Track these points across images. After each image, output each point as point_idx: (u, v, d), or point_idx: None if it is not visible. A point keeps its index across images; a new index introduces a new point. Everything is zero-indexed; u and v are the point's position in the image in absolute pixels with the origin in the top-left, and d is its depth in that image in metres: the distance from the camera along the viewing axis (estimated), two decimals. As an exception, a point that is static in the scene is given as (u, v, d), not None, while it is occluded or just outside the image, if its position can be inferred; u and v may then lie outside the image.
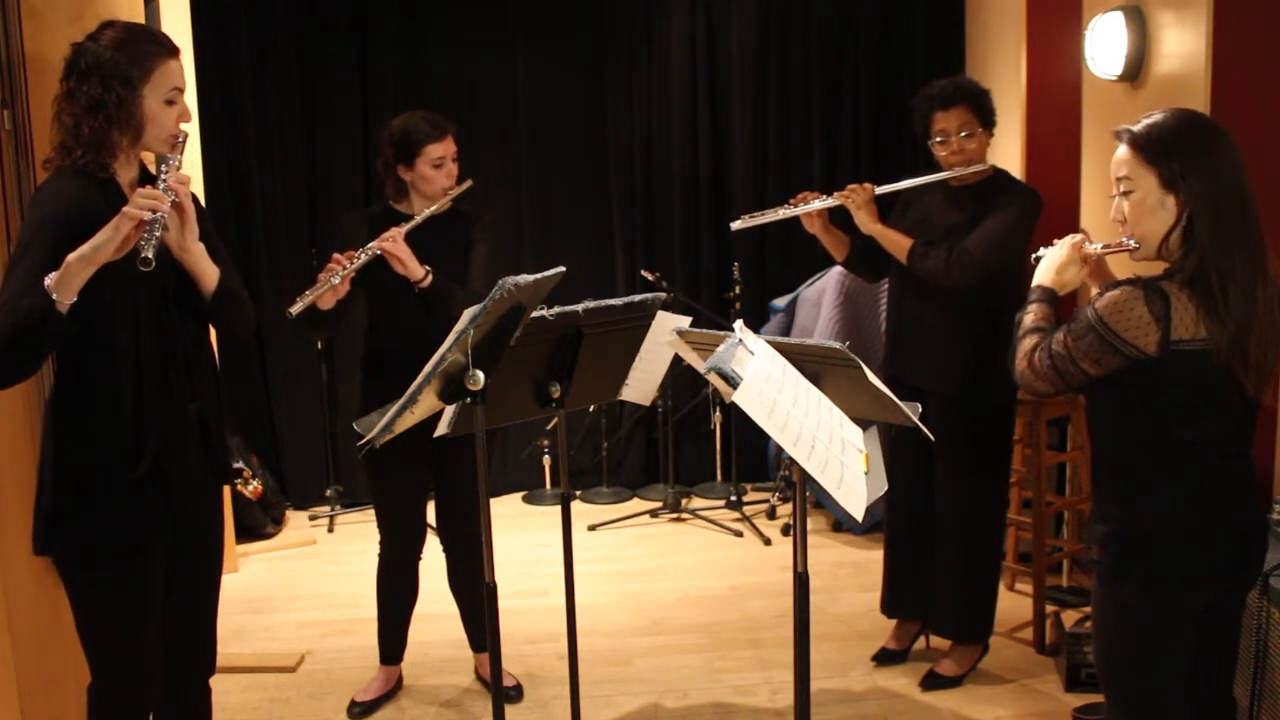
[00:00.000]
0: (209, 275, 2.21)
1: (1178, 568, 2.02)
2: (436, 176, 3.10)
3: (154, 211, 1.96)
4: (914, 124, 3.27)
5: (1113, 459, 2.10)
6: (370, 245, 2.94)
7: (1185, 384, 1.96)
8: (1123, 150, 2.03)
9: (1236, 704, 2.28)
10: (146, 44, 2.12)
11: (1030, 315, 2.15)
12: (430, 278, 2.97)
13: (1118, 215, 2.06)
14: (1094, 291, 2.07)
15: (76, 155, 2.07)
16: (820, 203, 3.25)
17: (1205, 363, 1.93)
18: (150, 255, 1.93)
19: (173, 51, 2.16)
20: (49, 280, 1.91)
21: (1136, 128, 2.01)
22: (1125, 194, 2.03)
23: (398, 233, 2.96)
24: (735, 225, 3.36)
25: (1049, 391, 2.09)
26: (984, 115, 3.16)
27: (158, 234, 1.96)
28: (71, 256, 1.91)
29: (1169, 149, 1.97)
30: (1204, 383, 1.95)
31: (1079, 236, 2.20)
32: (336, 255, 2.92)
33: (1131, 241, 2.05)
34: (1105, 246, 2.15)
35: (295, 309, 2.83)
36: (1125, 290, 1.95)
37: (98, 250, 1.92)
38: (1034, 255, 2.26)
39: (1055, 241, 2.26)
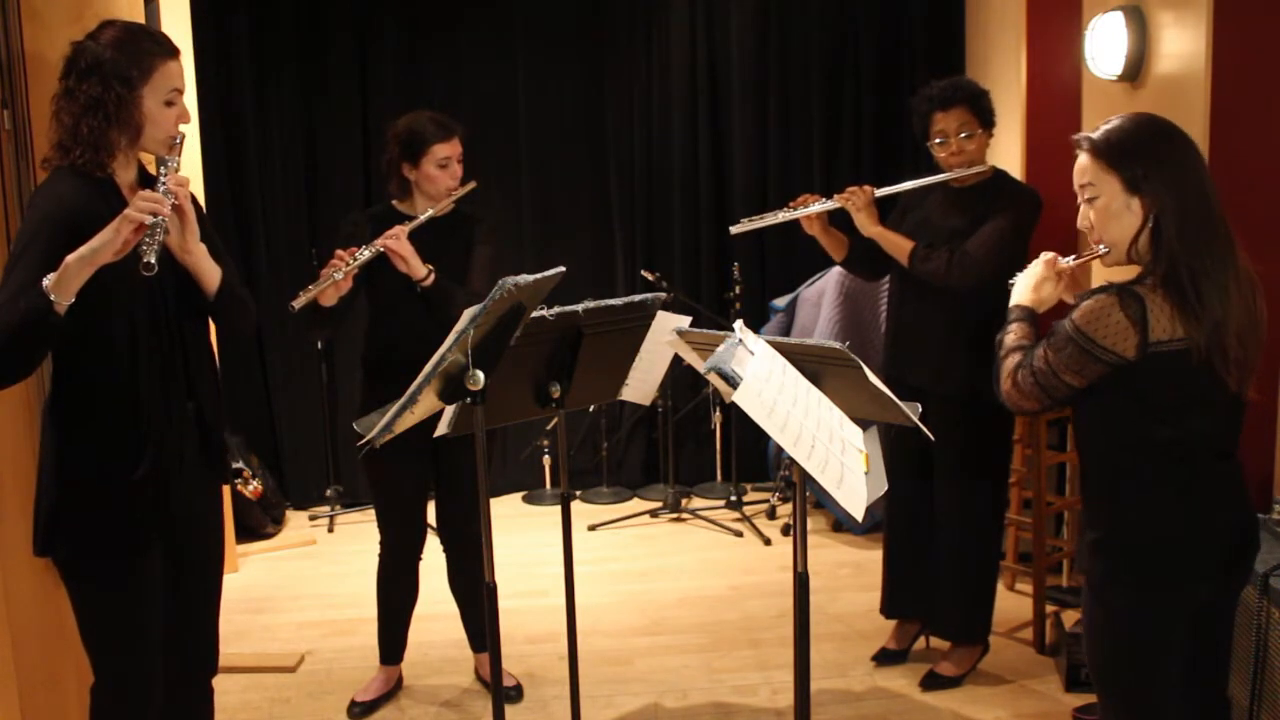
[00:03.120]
0: (211, 275, 2.21)
1: (1168, 570, 2.02)
2: (441, 177, 3.10)
3: (154, 215, 1.96)
4: (913, 125, 3.27)
5: (1100, 464, 2.10)
6: (374, 242, 2.94)
7: (1167, 385, 1.96)
8: (1083, 158, 2.04)
9: (1231, 704, 2.28)
10: (147, 44, 2.12)
11: (1011, 335, 2.15)
12: (432, 277, 2.97)
13: (1084, 223, 2.08)
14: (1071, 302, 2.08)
15: (74, 155, 2.07)
16: (820, 205, 3.25)
17: (1185, 362, 1.94)
18: (153, 260, 1.93)
19: (173, 52, 2.16)
20: (47, 281, 1.90)
21: (1095, 135, 2.03)
22: (1090, 200, 2.05)
23: (401, 231, 2.96)
24: (735, 229, 3.36)
25: (1034, 409, 2.10)
26: (983, 115, 3.16)
27: (159, 238, 1.96)
28: (70, 258, 1.91)
29: (1129, 152, 1.98)
30: (1186, 382, 1.96)
31: (1051, 254, 2.21)
32: (339, 251, 2.92)
33: (1101, 247, 2.06)
34: (1078, 257, 2.16)
35: (298, 303, 2.83)
36: (1100, 298, 1.96)
37: (97, 252, 1.92)
38: (1009, 282, 2.27)
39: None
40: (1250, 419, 2.08)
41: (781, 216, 3.28)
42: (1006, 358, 2.13)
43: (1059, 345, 2.00)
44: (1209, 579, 2.04)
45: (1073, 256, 2.18)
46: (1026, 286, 2.20)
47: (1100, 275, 2.18)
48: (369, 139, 5.12)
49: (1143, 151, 1.98)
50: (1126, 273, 2.05)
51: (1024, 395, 2.08)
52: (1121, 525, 2.05)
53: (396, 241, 2.93)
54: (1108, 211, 2.02)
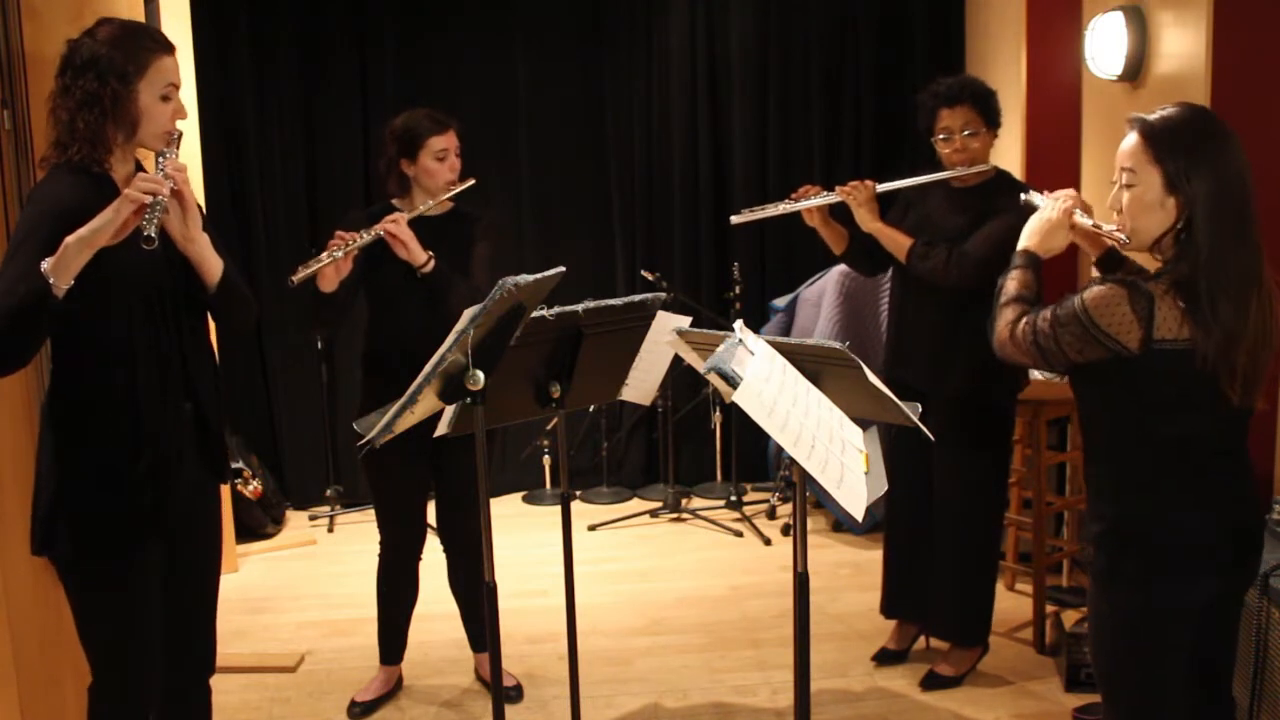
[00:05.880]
0: (214, 266, 2.21)
1: (1171, 566, 2.02)
2: (440, 169, 3.10)
3: (154, 195, 1.97)
4: (918, 120, 3.26)
5: (1103, 457, 2.10)
6: (374, 226, 2.93)
7: (1169, 381, 1.96)
8: (1133, 139, 2.01)
9: (1236, 704, 2.28)
10: (142, 40, 2.12)
11: (1013, 282, 2.13)
12: (432, 263, 2.97)
13: (1115, 205, 2.06)
14: (1092, 264, 2.06)
15: (72, 151, 2.07)
16: (821, 199, 3.25)
17: (1188, 363, 1.93)
18: (153, 234, 1.94)
19: (168, 48, 2.16)
20: (46, 264, 1.91)
21: (1151, 118, 1.99)
22: (1127, 185, 2.02)
23: (401, 217, 2.96)
24: (735, 219, 3.36)
25: (1027, 364, 2.10)
26: (989, 115, 3.16)
27: (159, 215, 1.97)
28: (70, 239, 1.91)
29: (1177, 148, 1.95)
30: (1186, 381, 1.95)
31: (1071, 201, 2.17)
32: (339, 232, 2.91)
33: (1123, 236, 2.05)
34: (1096, 225, 2.13)
35: (296, 278, 2.83)
36: (1112, 287, 1.95)
37: (96, 233, 1.92)
38: (1023, 198, 2.23)
39: (1046, 193, 2.24)
40: (1251, 419, 2.07)
41: (782, 208, 3.28)
42: (1006, 306, 2.12)
43: (1064, 320, 1.99)
44: (1213, 575, 2.03)
45: (1092, 221, 2.14)
46: (1037, 230, 2.18)
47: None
48: (369, 139, 5.11)
49: (1191, 149, 1.94)
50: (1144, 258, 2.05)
51: (1020, 349, 2.08)
52: (1126, 519, 2.05)
53: (397, 226, 2.93)
54: (1141, 202, 2.00)
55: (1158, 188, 1.97)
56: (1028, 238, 2.18)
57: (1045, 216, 2.18)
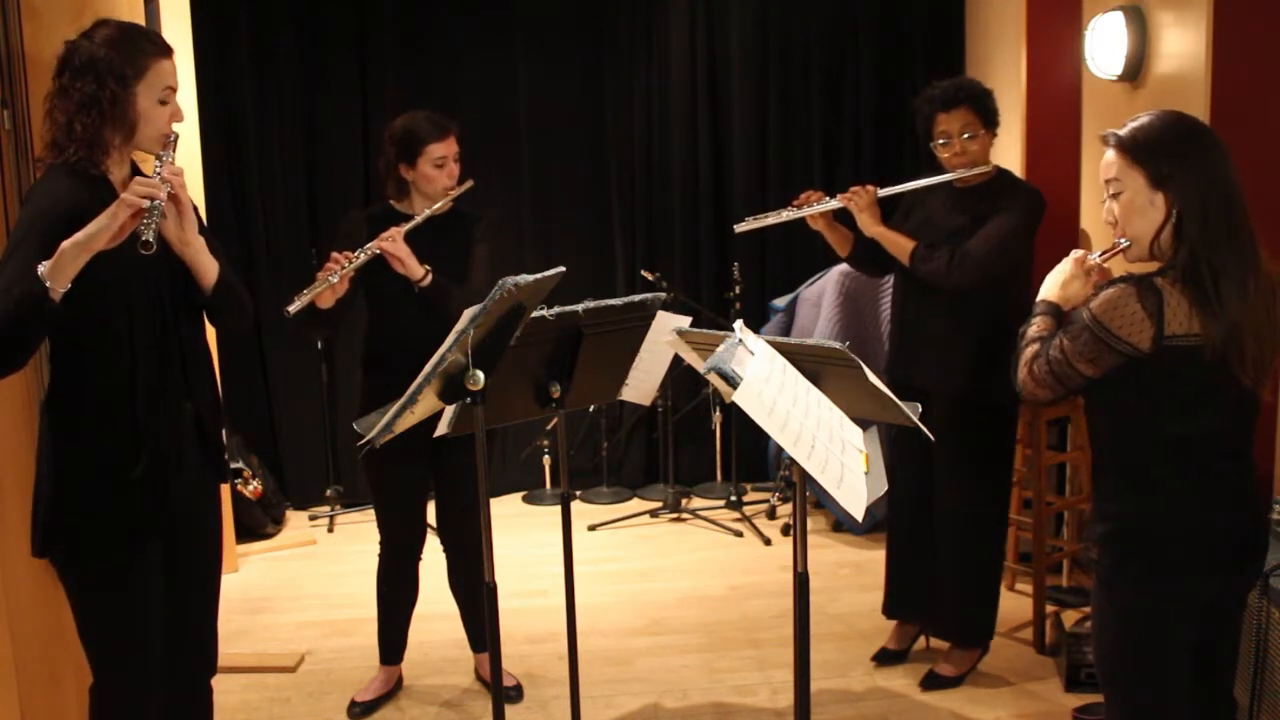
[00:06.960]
0: (209, 269, 2.21)
1: (1176, 566, 2.03)
2: (438, 176, 3.10)
3: (151, 199, 1.97)
4: (916, 125, 3.26)
5: (1110, 458, 2.11)
6: (369, 245, 2.94)
7: (1180, 380, 1.97)
8: (1110, 154, 2.06)
9: (1237, 704, 2.28)
10: (141, 43, 2.12)
11: (1033, 327, 2.17)
12: (429, 277, 2.97)
13: (1109, 217, 2.10)
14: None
15: (69, 153, 2.07)
16: (823, 205, 3.25)
17: (1199, 358, 1.94)
18: (151, 239, 1.93)
19: (166, 51, 2.17)
20: (42, 268, 1.90)
21: (1123, 131, 2.04)
22: (1115, 195, 2.06)
23: (397, 232, 2.96)
24: (740, 227, 3.36)
25: (1048, 398, 2.11)
26: (987, 116, 3.15)
27: (156, 220, 1.96)
28: (66, 243, 1.91)
29: (1155, 149, 1.99)
30: (1197, 378, 1.97)
31: (1080, 252, 2.22)
32: (335, 254, 2.92)
33: (1124, 241, 2.07)
34: (1103, 254, 2.17)
35: (293, 308, 2.83)
36: (1118, 289, 1.97)
37: (93, 237, 1.92)
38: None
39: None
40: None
41: (786, 215, 3.29)
42: (1026, 348, 2.15)
43: (1075, 334, 2.01)
44: (1215, 575, 2.04)
45: (1098, 253, 2.18)
46: (1055, 283, 2.21)
47: (1124, 270, 2.18)
48: (369, 139, 5.11)
49: (1169, 149, 1.99)
50: (1150, 267, 2.06)
51: (1039, 384, 2.10)
52: (1129, 518, 2.06)
53: (392, 244, 2.93)
54: (1132, 206, 2.03)
55: (1143, 188, 2.01)
56: (1046, 291, 2.22)
57: (1062, 271, 2.22)
